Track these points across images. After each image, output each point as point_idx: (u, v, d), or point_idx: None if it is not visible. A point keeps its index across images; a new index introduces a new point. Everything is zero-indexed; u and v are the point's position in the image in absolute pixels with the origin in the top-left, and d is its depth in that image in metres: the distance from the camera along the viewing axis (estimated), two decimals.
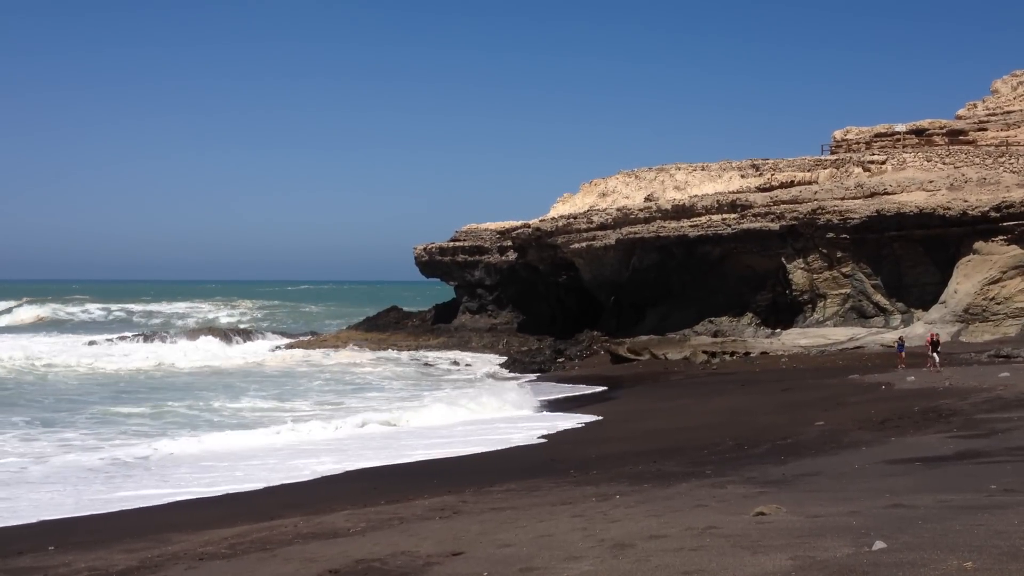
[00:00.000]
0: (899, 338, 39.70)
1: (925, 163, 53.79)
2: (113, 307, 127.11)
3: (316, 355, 58.54)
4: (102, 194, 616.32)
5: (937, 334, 38.92)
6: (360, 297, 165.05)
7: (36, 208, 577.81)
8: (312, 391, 40.23)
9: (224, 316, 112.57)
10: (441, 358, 56.27)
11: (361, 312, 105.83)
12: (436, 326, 71.27)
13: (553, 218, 64.89)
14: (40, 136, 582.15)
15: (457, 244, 72.67)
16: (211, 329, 76.90)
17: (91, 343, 67.59)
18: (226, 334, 72.86)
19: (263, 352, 61.78)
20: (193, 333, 72.32)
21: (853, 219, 49.12)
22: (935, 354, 35.23)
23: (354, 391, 40.38)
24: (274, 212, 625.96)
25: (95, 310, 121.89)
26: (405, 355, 58.32)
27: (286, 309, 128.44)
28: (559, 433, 26.85)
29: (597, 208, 62.70)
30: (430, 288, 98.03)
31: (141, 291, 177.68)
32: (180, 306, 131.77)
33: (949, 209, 47.66)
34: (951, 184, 49.88)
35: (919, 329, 46.17)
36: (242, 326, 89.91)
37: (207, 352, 60.12)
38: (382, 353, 59.34)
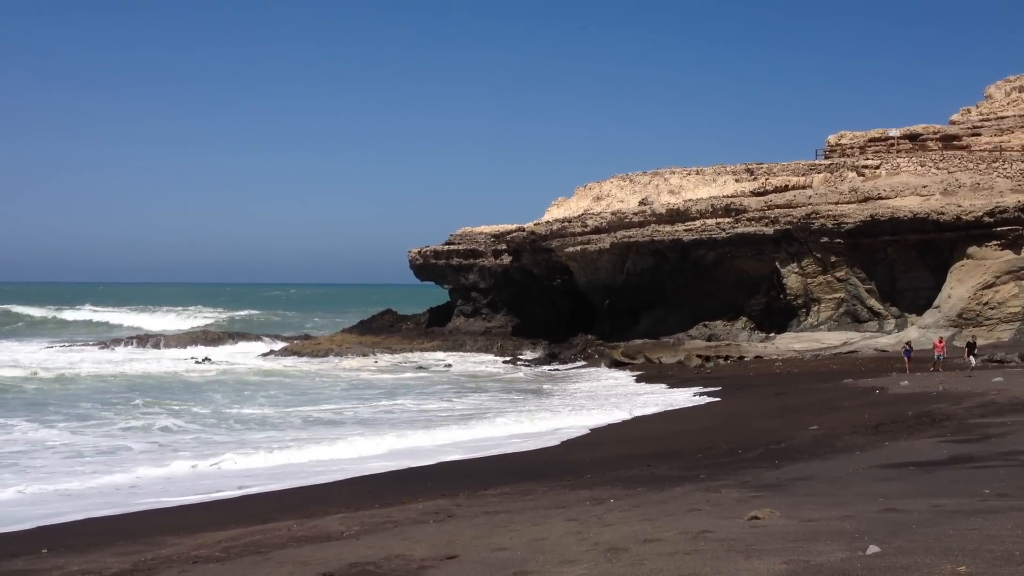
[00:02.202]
0: (906, 344, 39.46)
1: (919, 168, 53.92)
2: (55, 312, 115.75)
3: (337, 361, 57.77)
4: (99, 195, 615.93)
5: (973, 338, 38.84)
6: (351, 300, 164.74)
7: (29, 210, 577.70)
8: (427, 393, 39.92)
9: (193, 322, 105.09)
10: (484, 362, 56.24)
11: (332, 315, 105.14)
12: (430, 329, 71.25)
13: (547, 222, 64.91)
14: (29, 139, 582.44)
15: (451, 247, 72.70)
16: (205, 331, 76.73)
17: (84, 344, 67.48)
18: (219, 337, 72.72)
19: (253, 355, 61.56)
20: (184, 337, 72.11)
21: (847, 224, 49.24)
22: (972, 357, 35.07)
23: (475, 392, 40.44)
24: (264, 214, 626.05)
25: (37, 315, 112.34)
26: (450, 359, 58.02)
27: (267, 313, 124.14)
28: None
29: (592, 212, 62.74)
30: (423, 291, 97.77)
31: (122, 295, 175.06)
32: (130, 309, 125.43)
33: (943, 214, 47.78)
34: (945, 189, 50.01)
35: (913, 334, 46.28)
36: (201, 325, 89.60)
37: (219, 355, 59.69)
38: (407, 356, 59.05)
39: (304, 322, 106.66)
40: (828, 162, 59.47)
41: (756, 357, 47.83)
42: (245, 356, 60.52)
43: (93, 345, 68.38)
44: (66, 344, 71.39)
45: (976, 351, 35.94)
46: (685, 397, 35.32)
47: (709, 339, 53.10)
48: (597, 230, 59.43)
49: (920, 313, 48.55)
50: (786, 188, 54.46)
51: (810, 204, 51.20)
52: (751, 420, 27.03)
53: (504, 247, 68.52)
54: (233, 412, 33.34)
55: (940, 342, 38.01)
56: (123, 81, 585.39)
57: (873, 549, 8.21)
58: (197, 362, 54.98)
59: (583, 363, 53.29)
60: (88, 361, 56.45)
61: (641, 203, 60.08)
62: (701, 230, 53.93)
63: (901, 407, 25.91)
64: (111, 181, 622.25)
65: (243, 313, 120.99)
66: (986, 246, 47.11)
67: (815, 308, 51.24)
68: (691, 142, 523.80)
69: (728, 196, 55.77)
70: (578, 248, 60.20)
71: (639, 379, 43.66)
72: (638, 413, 30.96)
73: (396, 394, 39.81)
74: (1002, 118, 61.60)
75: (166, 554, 12.89)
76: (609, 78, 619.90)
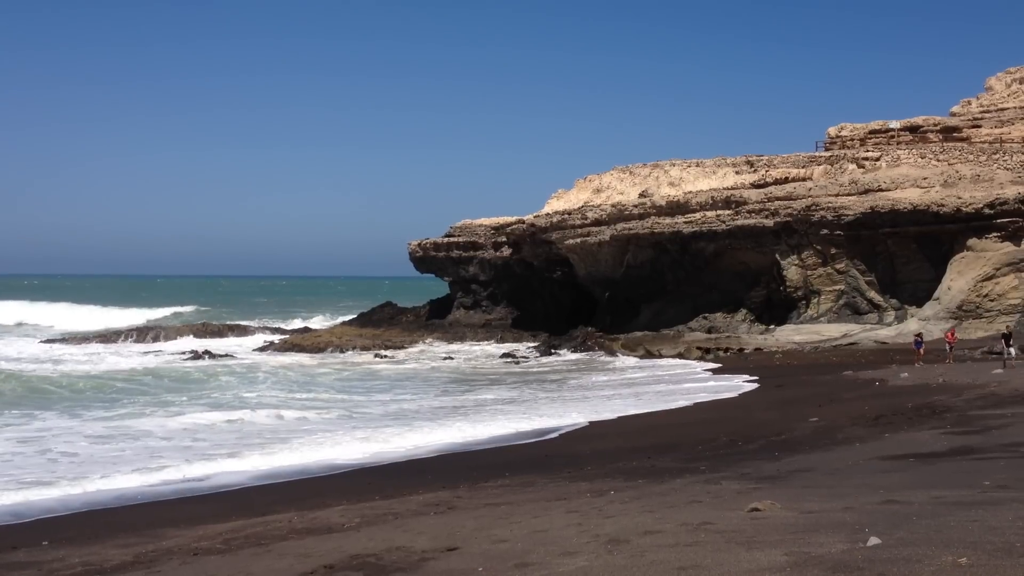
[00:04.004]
0: (918, 335, 39.30)
1: (919, 160, 53.90)
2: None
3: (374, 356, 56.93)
4: (102, 190, 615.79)
5: (1008, 328, 38.20)
6: (351, 293, 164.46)
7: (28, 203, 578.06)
8: (429, 386, 39.79)
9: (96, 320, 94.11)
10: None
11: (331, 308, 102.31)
12: (430, 322, 71.23)
13: (547, 214, 64.90)
14: (31, 133, 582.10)
15: (451, 240, 72.66)
16: (205, 324, 76.65)
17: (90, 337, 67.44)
18: (219, 330, 72.67)
19: (252, 347, 61.49)
20: (184, 330, 72.03)
21: (847, 216, 49.21)
22: (1011, 348, 34.45)
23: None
24: (259, 208, 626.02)
25: None
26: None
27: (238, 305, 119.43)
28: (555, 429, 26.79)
29: (591, 204, 62.70)
30: (423, 284, 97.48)
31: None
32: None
33: (943, 206, 47.77)
34: (945, 181, 49.98)
35: (912, 325, 46.29)
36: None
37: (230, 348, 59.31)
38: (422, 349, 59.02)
39: (289, 314, 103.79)
40: (828, 154, 59.44)
41: (756, 349, 47.82)
42: (244, 349, 60.36)
43: (94, 340, 68.27)
44: (64, 339, 71.24)
45: (1012, 340, 35.04)
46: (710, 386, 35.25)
47: (709, 331, 53.08)
48: (597, 222, 59.38)
49: (920, 305, 48.55)
50: (786, 180, 54.42)
51: (810, 196, 51.18)
52: (751, 412, 27.03)
53: (504, 239, 68.48)
54: (253, 405, 33.01)
55: (951, 333, 37.91)
56: (116, 77, 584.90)
57: (874, 541, 8.21)
58: (197, 355, 54.72)
59: (584, 353, 53.25)
60: (96, 356, 56.09)
61: (641, 195, 60.02)
62: (701, 222, 53.89)
63: (901, 399, 25.93)
64: (101, 176, 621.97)
65: (184, 309, 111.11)
66: (986, 238, 47.12)
67: (815, 300, 51.24)
68: (691, 134, 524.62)
69: (728, 188, 55.72)
70: (578, 240, 60.16)
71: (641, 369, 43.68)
72: (644, 407, 30.88)
73: (402, 388, 39.73)
74: (1002, 110, 61.58)
75: (167, 546, 12.90)
76: (609, 70, 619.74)
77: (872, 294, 50.06)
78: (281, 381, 42.10)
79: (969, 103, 64.78)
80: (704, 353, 47.69)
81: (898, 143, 59.63)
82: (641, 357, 49.24)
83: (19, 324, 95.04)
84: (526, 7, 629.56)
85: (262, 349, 60.40)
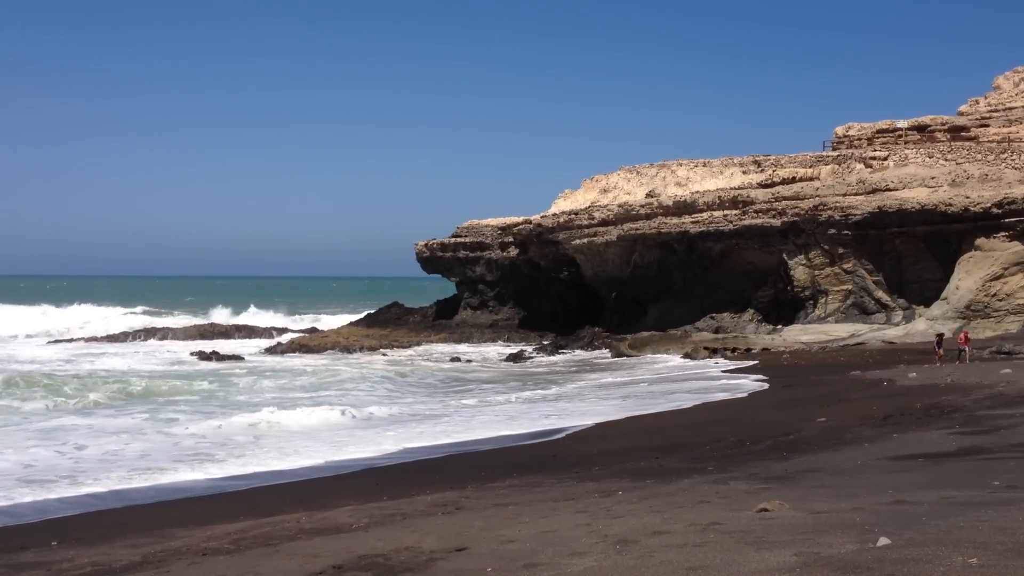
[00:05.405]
0: (938, 335, 39.09)
1: (927, 159, 53.81)
2: None
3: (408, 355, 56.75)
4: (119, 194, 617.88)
5: None
6: (357, 293, 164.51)
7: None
8: (436, 387, 39.81)
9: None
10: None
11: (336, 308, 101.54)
12: (437, 322, 71.28)
13: (554, 214, 64.90)
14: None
15: (458, 240, 72.70)
16: (213, 325, 76.77)
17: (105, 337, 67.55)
18: (226, 331, 72.79)
19: (258, 349, 61.54)
20: (192, 331, 72.13)
21: (855, 215, 49.13)
22: None
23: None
24: (266, 209, 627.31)
25: None
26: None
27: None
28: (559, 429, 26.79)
29: (598, 204, 62.69)
30: (430, 284, 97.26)
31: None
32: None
33: (951, 205, 47.66)
34: (953, 180, 49.87)
35: (920, 325, 46.18)
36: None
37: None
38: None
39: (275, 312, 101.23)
40: (836, 153, 59.38)
41: (763, 349, 47.75)
42: (251, 350, 60.38)
43: (102, 340, 68.40)
44: (72, 340, 71.31)
45: None
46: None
47: (716, 331, 53.03)
48: (604, 222, 59.36)
49: (928, 305, 48.45)
50: (793, 180, 54.35)
51: (817, 196, 51.10)
52: (759, 412, 26.98)
53: (511, 240, 68.50)
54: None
55: (965, 334, 37.76)
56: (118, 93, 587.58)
57: (883, 541, 8.19)
58: (205, 356, 54.79)
59: (590, 353, 53.22)
60: (105, 357, 56.08)
61: (648, 195, 59.99)
62: (708, 222, 53.85)
63: (909, 399, 25.86)
64: (108, 180, 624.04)
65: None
66: (994, 237, 47.00)
67: (822, 300, 51.16)
68: (698, 134, 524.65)
69: (735, 188, 55.68)
70: (585, 240, 60.15)
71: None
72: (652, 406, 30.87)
73: (408, 388, 39.75)
74: (1010, 109, 61.46)
75: (175, 546, 12.91)
76: (616, 70, 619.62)
77: (880, 294, 49.97)
78: (287, 382, 42.11)
79: (977, 102, 64.63)
80: (711, 353, 47.62)
81: (906, 142, 59.55)
82: (648, 357, 49.21)
83: None
84: (533, 7, 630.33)
85: (270, 350, 60.43)
